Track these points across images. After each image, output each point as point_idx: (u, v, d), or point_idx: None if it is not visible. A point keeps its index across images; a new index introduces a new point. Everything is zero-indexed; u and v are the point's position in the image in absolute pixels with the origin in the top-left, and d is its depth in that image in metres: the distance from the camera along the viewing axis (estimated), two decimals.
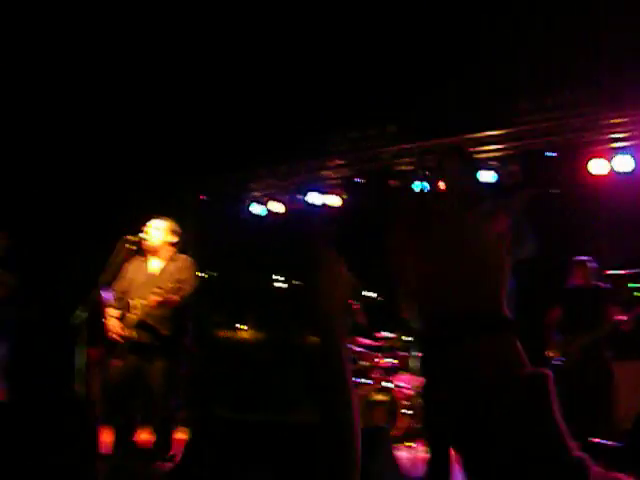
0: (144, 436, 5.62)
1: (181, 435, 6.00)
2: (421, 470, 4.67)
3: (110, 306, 5.65)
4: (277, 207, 9.47)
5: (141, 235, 5.64)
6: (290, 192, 9.44)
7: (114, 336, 5.50)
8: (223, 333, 14.12)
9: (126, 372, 5.47)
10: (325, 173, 9.25)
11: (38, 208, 10.10)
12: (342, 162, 9.11)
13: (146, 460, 5.21)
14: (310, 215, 9.12)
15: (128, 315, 5.51)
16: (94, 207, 10.25)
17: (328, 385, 1.76)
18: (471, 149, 7.61)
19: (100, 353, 5.95)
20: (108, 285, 5.69)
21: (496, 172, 7.96)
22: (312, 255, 1.89)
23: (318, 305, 1.84)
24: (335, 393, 1.75)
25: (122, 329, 5.50)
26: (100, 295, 5.51)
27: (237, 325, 14.62)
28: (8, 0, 8.64)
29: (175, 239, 5.76)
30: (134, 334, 5.47)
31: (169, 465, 5.12)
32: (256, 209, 9.60)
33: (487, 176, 7.90)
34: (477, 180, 6.98)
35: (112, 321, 5.55)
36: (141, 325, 5.47)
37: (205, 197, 9.88)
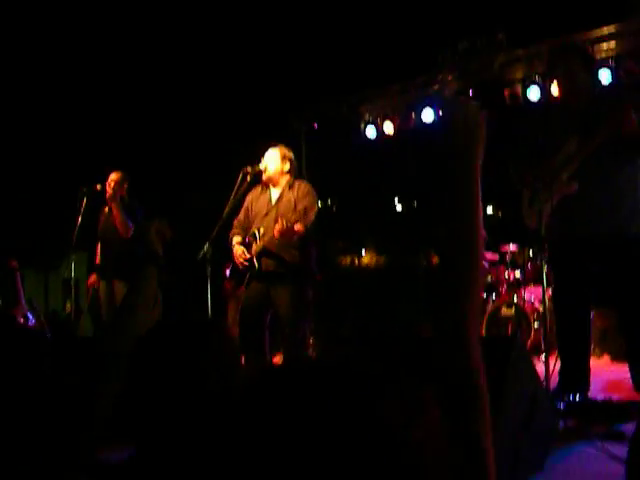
0: (275, 360, 5.77)
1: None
2: (554, 382, 4.60)
3: (234, 235, 5.80)
4: (390, 128, 9.31)
5: (258, 166, 5.70)
6: (403, 111, 9.25)
7: (240, 261, 5.65)
8: (345, 259, 14.27)
9: (253, 299, 5.62)
10: (436, 88, 9.02)
11: (159, 147, 10.40)
12: (452, 76, 8.85)
13: None
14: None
15: (253, 245, 5.60)
16: (210, 143, 10.46)
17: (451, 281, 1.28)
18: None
19: (231, 285, 6.11)
20: (231, 218, 5.82)
21: (612, 71, 7.52)
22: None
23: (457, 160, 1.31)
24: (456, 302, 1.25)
25: (246, 253, 5.63)
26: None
27: (359, 250, 14.74)
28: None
29: (289, 166, 5.78)
30: (256, 264, 5.58)
31: None
32: (370, 131, 9.45)
33: (604, 76, 7.47)
34: (597, 80, 6.69)
35: (236, 247, 5.70)
36: (265, 253, 5.55)
37: (316, 124, 9.82)
